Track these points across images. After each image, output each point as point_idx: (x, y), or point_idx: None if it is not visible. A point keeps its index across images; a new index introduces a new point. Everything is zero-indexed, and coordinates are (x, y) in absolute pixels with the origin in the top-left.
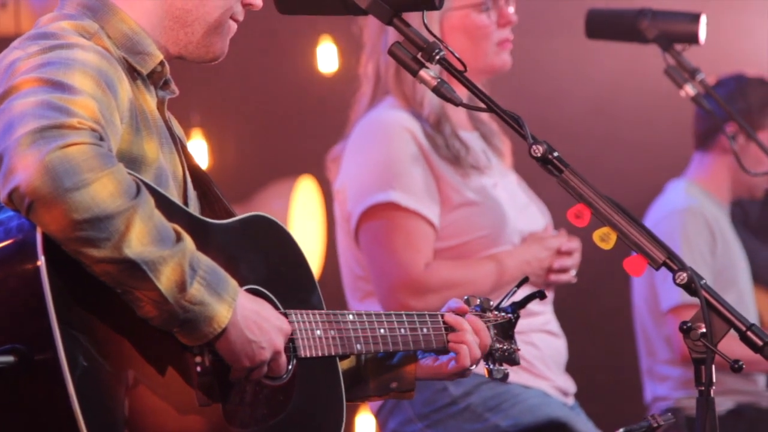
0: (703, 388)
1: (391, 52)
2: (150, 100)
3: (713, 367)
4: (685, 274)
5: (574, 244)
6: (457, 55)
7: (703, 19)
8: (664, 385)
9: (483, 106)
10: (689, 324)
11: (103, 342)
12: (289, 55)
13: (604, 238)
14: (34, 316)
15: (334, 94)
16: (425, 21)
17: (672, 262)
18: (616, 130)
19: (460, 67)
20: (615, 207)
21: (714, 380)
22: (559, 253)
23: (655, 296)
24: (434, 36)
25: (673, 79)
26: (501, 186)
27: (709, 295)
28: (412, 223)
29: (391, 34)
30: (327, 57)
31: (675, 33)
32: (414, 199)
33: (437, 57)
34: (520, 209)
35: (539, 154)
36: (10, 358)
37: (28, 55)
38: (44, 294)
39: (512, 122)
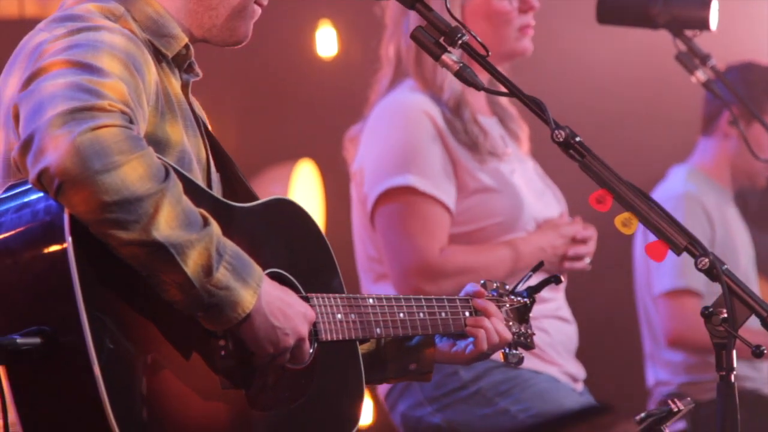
0: (724, 373)
1: (413, 37)
2: (175, 83)
3: (734, 352)
4: (707, 260)
5: (590, 232)
6: (479, 39)
7: (715, 5)
8: (667, 369)
9: (505, 90)
10: (711, 309)
11: (128, 325)
12: (288, 39)
13: (626, 224)
14: (61, 298)
15: (333, 78)
16: (448, 5)
17: (693, 247)
18: (622, 115)
19: (482, 51)
20: (637, 192)
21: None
22: (574, 240)
23: None
24: (457, 21)
25: (684, 64)
26: (518, 172)
27: (731, 280)
28: (428, 208)
29: (413, 17)
30: (326, 41)
31: (685, 19)
32: (431, 184)
33: (460, 42)
34: (536, 196)
35: (561, 139)
36: (36, 340)
37: (55, 37)
38: (71, 276)
39: (534, 107)
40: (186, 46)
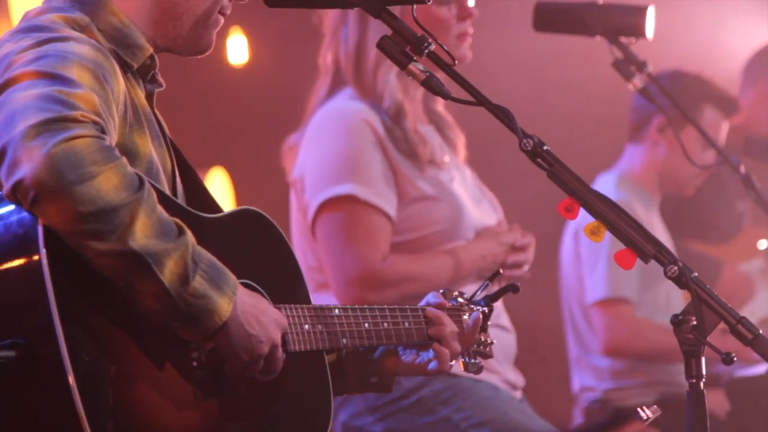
0: (694, 381)
1: (380, 46)
2: (140, 94)
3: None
4: (675, 267)
5: (528, 239)
6: (446, 48)
7: (650, 13)
8: (592, 375)
9: (472, 99)
10: (680, 317)
11: (103, 337)
12: None
13: (595, 232)
14: (35, 311)
15: (244, 85)
16: (414, 15)
17: (662, 255)
18: (549, 122)
19: (449, 60)
20: (604, 201)
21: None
22: (513, 248)
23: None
24: (424, 30)
25: (620, 71)
26: (457, 180)
27: (700, 288)
28: (370, 216)
29: (351, 25)
30: (237, 49)
31: (621, 26)
32: (372, 192)
33: (426, 51)
34: (474, 204)
35: (530, 148)
36: (11, 353)
37: (21, 48)
38: (45, 288)
39: (502, 116)
40: (151, 57)
